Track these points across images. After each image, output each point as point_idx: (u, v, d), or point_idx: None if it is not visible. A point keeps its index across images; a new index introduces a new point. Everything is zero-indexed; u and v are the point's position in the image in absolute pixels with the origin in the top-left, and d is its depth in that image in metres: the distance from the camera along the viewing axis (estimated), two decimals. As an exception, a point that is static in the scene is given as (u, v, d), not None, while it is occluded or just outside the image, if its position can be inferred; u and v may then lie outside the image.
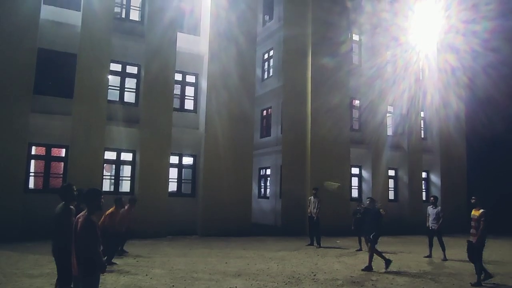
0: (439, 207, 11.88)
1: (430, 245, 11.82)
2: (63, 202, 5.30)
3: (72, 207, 5.31)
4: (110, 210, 9.22)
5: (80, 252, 4.23)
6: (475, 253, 8.13)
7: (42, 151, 14.06)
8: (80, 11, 14.22)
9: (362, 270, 9.38)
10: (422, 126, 22.02)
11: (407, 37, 20.87)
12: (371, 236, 9.53)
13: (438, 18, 21.75)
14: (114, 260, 9.11)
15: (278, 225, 18.21)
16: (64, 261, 4.96)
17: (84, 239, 4.23)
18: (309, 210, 13.91)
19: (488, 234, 8.24)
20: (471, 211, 8.60)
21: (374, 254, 9.53)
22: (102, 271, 4.34)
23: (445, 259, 11.28)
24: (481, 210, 8.17)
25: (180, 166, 16.18)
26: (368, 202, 10.37)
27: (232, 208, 15.54)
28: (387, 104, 20.43)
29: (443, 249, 11.54)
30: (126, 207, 10.18)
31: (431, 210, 11.86)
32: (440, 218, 11.59)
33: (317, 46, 18.18)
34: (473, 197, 8.67)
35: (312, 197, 13.96)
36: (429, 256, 11.71)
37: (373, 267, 9.47)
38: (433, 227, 11.68)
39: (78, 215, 4.42)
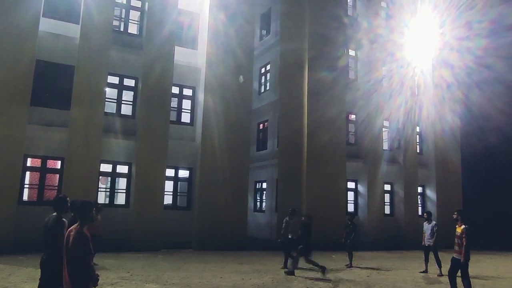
0: (434, 222, 11.78)
1: (426, 261, 11.76)
2: (56, 213, 5.26)
3: (64, 219, 5.27)
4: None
5: (72, 266, 4.20)
6: (461, 271, 8.03)
7: (37, 163, 14.00)
8: (79, 24, 14.34)
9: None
10: (417, 140, 22.16)
11: (403, 52, 21.18)
12: (298, 248, 10.03)
13: (433, 35, 22.11)
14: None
15: (274, 239, 18.10)
16: (51, 272, 4.93)
17: (76, 252, 4.19)
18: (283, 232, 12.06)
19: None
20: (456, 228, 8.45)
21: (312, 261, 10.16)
22: (94, 285, 4.30)
23: (441, 275, 11.21)
24: (463, 226, 8.03)
25: (176, 179, 16.15)
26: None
27: (227, 222, 15.48)
28: (383, 119, 20.57)
29: (439, 265, 11.45)
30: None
31: (426, 226, 11.82)
32: (434, 233, 11.52)
33: (313, 60, 18.36)
34: (454, 213, 8.53)
35: (287, 218, 12.26)
36: (425, 271, 11.65)
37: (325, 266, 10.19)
38: (428, 244, 11.56)
39: (70, 228, 4.38)
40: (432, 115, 21.98)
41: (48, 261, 5.05)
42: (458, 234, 8.04)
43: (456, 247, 8.03)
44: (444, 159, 21.91)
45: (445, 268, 11.42)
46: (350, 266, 12.44)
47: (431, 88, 22.24)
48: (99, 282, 4.39)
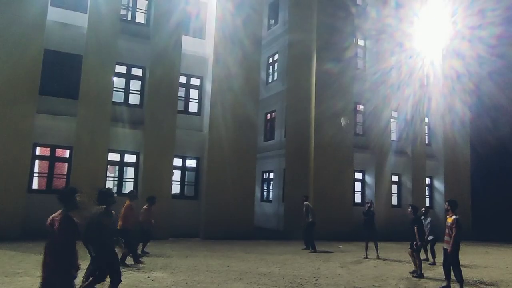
0: (429, 219, 11.96)
1: (426, 250, 12.00)
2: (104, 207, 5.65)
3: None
4: (126, 205, 9.42)
5: (56, 249, 4.10)
6: (452, 261, 7.99)
7: (46, 151, 14.11)
8: (86, 13, 14.32)
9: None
10: (426, 131, 21.98)
11: (412, 43, 20.88)
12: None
13: (444, 24, 21.73)
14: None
15: (281, 229, 18.16)
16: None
17: (61, 236, 4.13)
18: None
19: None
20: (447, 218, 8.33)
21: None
22: (75, 271, 4.26)
23: (433, 264, 11.48)
24: (454, 217, 7.99)
25: (183, 168, 16.19)
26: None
27: (235, 211, 15.52)
28: (391, 110, 20.41)
29: (433, 256, 11.77)
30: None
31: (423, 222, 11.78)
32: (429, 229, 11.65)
33: (321, 50, 18.19)
34: (445, 203, 8.42)
35: (307, 202, 13.93)
36: (426, 259, 11.85)
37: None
38: (430, 238, 11.65)
39: (54, 215, 4.33)
40: (442, 106, 21.75)
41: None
42: (449, 224, 7.98)
43: (447, 237, 8.00)
44: (453, 151, 21.71)
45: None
46: (366, 257, 12.28)
47: (441, 79, 21.97)
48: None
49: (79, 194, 4.50)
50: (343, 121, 16.63)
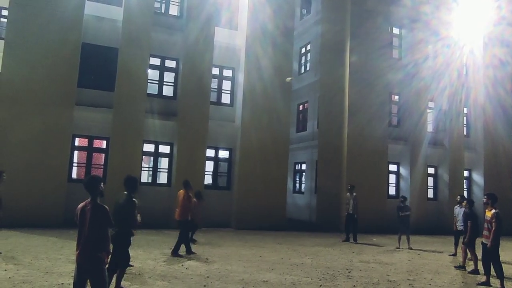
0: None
1: (456, 245, 11.51)
2: (126, 193, 5.89)
3: (135, 199, 5.84)
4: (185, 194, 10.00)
5: (92, 237, 4.19)
6: (490, 256, 7.73)
7: (84, 142, 14.62)
8: (121, 6, 14.62)
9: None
10: (464, 122, 21.15)
11: (450, 31, 20.02)
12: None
13: (486, 10, 20.66)
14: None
15: (313, 221, 18.09)
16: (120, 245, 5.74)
17: (95, 225, 4.22)
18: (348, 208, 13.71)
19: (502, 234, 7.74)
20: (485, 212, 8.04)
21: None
22: (108, 255, 4.40)
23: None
24: (493, 211, 7.70)
25: (216, 159, 16.36)
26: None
27: (267, 202, 15.56)
28: (427, 100, 19.75)
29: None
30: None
31: (458, 210, 11.32)
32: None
33: (355, 39, 17.79)
34: (484, 196, 8.11)
35: (348, 193, 13.95)
36: (454, 254, 11.52)
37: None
38: (460, 229, 10.95)
39: (83, 204, 4.38)
40: (482, 97, 20.82)
41: (117, 235, 5.61)
42: (488, 218, 7.75)
43: (486, 232, 7.76)
44: (494, 143, 20.78)
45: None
46: (398, 247, 12.57)
47: (481, 68, 21.00)
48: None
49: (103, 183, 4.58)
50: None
